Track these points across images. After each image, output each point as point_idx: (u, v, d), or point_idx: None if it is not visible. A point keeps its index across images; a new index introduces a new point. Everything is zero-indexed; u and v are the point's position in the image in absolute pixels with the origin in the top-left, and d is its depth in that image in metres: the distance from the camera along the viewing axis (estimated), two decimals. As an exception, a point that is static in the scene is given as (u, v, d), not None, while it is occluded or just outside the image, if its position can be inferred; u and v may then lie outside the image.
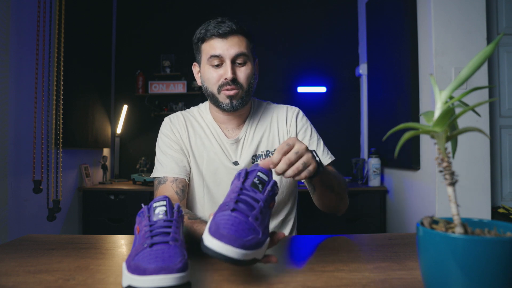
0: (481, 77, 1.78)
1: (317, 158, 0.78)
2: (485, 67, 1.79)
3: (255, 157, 1.08)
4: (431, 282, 0.45)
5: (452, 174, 0.44)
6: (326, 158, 1.10)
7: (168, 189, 1.02)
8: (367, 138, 2.85)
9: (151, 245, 0.55)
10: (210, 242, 0.52)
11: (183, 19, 3.11)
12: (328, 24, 3.11)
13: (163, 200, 0.64)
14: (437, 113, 0.45)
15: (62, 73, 2.13)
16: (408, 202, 2.18)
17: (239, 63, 1.00)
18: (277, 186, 0.63)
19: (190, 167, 1.08)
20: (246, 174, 0.61)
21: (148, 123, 3.07)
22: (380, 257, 0.69)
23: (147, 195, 2.47)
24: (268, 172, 0.63)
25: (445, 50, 1.81)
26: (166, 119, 1.14)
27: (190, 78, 3.01)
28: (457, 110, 0.46)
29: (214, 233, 0.52)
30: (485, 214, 1.77)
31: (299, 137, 1.12)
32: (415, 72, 2.02)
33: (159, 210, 0.62)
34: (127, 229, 2.40)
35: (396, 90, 2.24)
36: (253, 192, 0.59)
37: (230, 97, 1.01)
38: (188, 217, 0.84)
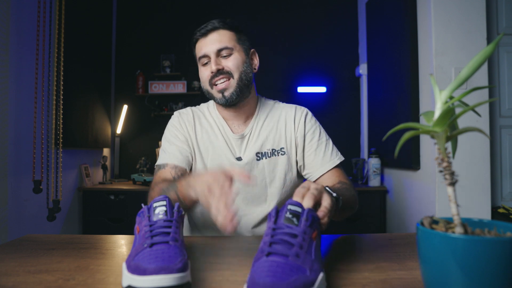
0: (481, 77, 1.78)
1: (334, 194, 0.74)
2: (485, 67, 1.79)
3: (259, 154, 1.08)
4: (431, 282, 0.45)
5: (452, 174, 0.44)
6: (335, 159, 1.10)
7: (166, 174, 1.02)
8: (367, 138, 2.85)
9: (151, 245, 0.55)
10: None
11: (183, 19, 3.11)
12: (328, 24, 3.11)
13: (163, 200, 0.64)
14: (437, 113, 0.45)
15: (62, 73, 2.13)
16: (408, 202, 2.18)
17: (224, 55, 1.02)
18: (315, 213, 0.57)
19: (193, 159, 1.08)
20: (276, 212, 0.56)
21: (148, 123, 3.07)
22: (380, 257, 0.69)
23: (147, 195, 2.47)
24: (300, 203, 0.57)
25: (445, 50, 1.81)
26: (176, 113, 1.15)
27: (190, 78, 3.02)
28: (457, 110, 0.46)
29: (251, 286, 0.46)
30: (485, 214, 1.77)
31: (308, 138, 1.10)
32: (415, 72, 2.02)
33: (159, 210, 0.62)
34: (127, 229, 2.40)
35: (396, 90, 2.24)
36: (288, 228, 0.53)
37: (222, 90, 1.02)
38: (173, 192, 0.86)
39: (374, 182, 2.48)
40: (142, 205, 0.65)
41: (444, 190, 1.78)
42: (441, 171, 0.45)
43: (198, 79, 3.10)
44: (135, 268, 0.51)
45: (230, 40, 1.03)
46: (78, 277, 0.58)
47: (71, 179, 2.46)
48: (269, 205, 1.08)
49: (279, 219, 0.55)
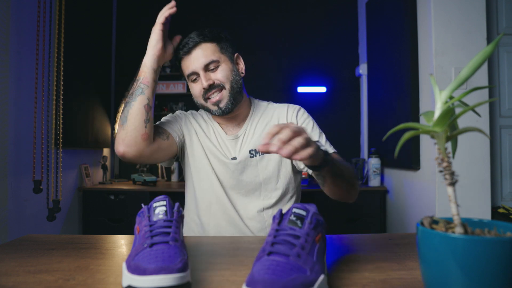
0: (481, 77, 1.78)
1: (322, 147, 0.77)
2: (485, 67, 1.79)
3: (252, 151, 1.10)
4: (431, 282, 0.45)
5: (452, 174, 0.44)
6: (328, 148, 1.11)
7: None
8: (367, 138, 2.85)
9: (151, 245, 0.55)
10: None
11: (183, 19, 3.11)
12: (328, 24, 3.11)
13: (163, 200, 0.64)
14: (437, 113, 0.45)
15: (62, 73, 2.13)
16: (408, 202, 2.18)
17: (212, 69, 1.04)
18: (320, 216, 0.57)
19: (184, 140, 1.12)
20: (281, 215, 0.57)
21: (148, 123, 3.07)
22: (380, 257, 0.69)
23: (147, 195, 2.47)
24: (305, 206, 0.58)
25: (445, 50, 1.81)
26: (177, 111, 1.21)
27: (190, 78, 3.01)
28: (457, 110, 0.46)
29: (250, 283, 0.46)
30: (485, 214, 1.77)
31: None
32: (415, 72, 2.02)
33: (159, 210, 0.62)
34: (127, 229, 2.40)
35: (396, 90, 2.24)
36: (292, 229, 0.53)
37: (217, 103, 1.05)
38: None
39: (374, 182, 2.48)
40: (142, 205, 0.66)
41: (444, 190, 1.78)
42: (441, 171, 0.45)
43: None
44: (135, 268, 0.51)
45: (214, 53, 1.04)
46: (78, 277, 0.58)
47: (71, 179, 2.46)
48: (263, 200, 1.10)
49: (283, 221, 0.55)
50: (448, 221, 0.47)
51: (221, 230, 1.09)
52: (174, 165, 2.93)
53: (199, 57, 1.04)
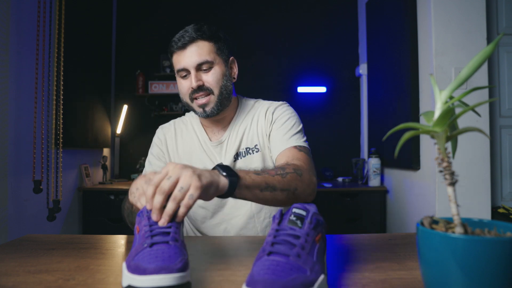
0: (481, 77, 1.78)
1: (223, 173, 0.68)
2: (485, 67, 1.79)
3: (236, 156, 1.07)
4: (431, 282, 0.45)
5: (452, 174, 0.44)
6: (294, 140, 1.01)
7: None
8: (367, 138, 2.85)
9: (151, 245, 0.55)
10: None
11: (183, 19, 3.11)
12: (328, 24, 3.11)
13: None
14: (437, 113, 0.45)
15: (62, 73, 2.13)
16: (408, 202, 2.18)
17: (204, 69, 1.00)
18: (320, 216, 0.57)
19: None
20: (281, 215, 0.57)
21: (148, 123, 3.07)
22: (380, 257, 0.69)
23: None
24: (305, 206, 0.58)
25: (445, 50, 1.81)
26: (159, 128, 1.19)
27: (190, 78, 3.01)
28: (457, 110, 0.46)
29: (250, 283, 0.46)
30: (485, 214, 1.77)
31: (274, 127, 1.06)
32: (415, 72, 2.02)
33: None
34: (127, 229, 2.38)
35: (396, 90, 2.24)
36: (292, 230, 0.53)
37: (202, 106, 1.01)
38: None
39: (374, 182, 2.48)
40: None
41: (444, 190, 1.78)
42: (441, 171, 0.45)
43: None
44: (135, 268, 0.51)
45: (210, 53, 1.00)
46: (78, 277, 0.58)
47: (71, 179, 2.46)
48: (251, 206, 1.05)
49: (283, 221, 0.55)
50: (448, 221, 0.47)
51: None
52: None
53: (193, 54, 0.99)
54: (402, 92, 2.14)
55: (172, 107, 3.03)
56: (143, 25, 3.13)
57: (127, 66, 3.10)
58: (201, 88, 1.00)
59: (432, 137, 0.45)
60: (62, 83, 2.13)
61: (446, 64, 1.80)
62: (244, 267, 0.63)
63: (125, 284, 0.52)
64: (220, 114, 1.06)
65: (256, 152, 1.07)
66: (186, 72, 1.01)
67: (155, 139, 1.16)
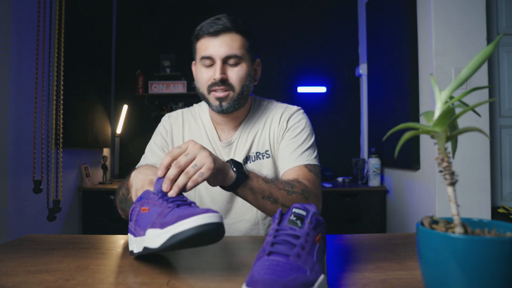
0: (481, 77, 1.78)
1: (234, 168, 0.72)
2: (485, 67, 1.79)
3: (245, 159, 1.04)
4: (431, 282, 0.45)
5: (452, 174, 0.44)
6: (304, 158, 0.99)
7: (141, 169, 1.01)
8: (367, 138, 2.85)
9: (178, 206, 0.57)
10: None
11: (183, 19, 3.11)
12: (328, 24, 3.11)
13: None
14: (437, 113, 0.45)
15: (62, 73, 2.13)
16: (408, 202, 2.18)
17: (231, 64, 0.96)
18: (319, 216, 0.57)
19: None
20: (281, 215, 0.57)
21: (148, 123, 3.07)
22: (380, 257, 0.69)
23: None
24: (305, 206, 0.58)
25: (445, 50, 1.81)
26: (166, 116, 1.13)
27: (190, 78, 2.99)
28: (457, 110, 0.46)
29: (250, 283, 0.46)
30: (485, 214, 1.77)
31: (287, 135, 1.03)
32: (415, 72, 2.02)
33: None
34: (127, 229, 2.40)
35: (396, 90, 2.24)
36: (292, 229, 0.53)
37: (220, 99, 0.97)
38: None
39: (374, 182, 2.48)
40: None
41: (444, 190, 1.78)
42: (441, 171, 0.45)
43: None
44: (178, 218, 0.52)
45: (240, 48, 0.95)
46: (78, 277, 0.58)
47: (71, 179, 2.46)
48: (256, 212, 1.03)
49: (283, 221, 0.55)
50: (448, 221, 0.47)
51: None
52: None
53: (224, 45, 0.93)
54: (402, 92, 2.14)
55: (172, 107, 3.03)
56: (143, 25, 3.13)
57: (127, 66, 3.10)
58: (223, 82, 0.95)
59: (432, 137, 0.45)
60: (62, 83, 2.13)
61: (446, 64, 1.80)
62: (244, 267, 0.63)
63: (158, 243, 0.53)
64: (234, 113, 1.02)
65: (267, 158, 1.04)
66: (210, 61, 0.95)
67: (160, 128, 1.10)
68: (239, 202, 1.03)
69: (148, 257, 0.68)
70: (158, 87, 3.00)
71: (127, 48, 3.13)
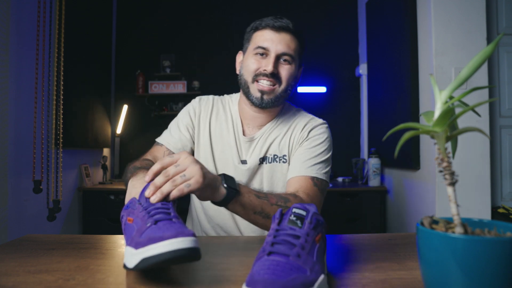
0: (481, 77, 1.78)
1: (224, 184, 0.72)
2: (485, 67, 1.79)
3: (262, 160, 1.05)
4: (431, 282, 0.45)
5: (452, 174, 0.44)
6: (313, 170, 0.99)
7: (159, 153, 1.05)
8: (367, 138, 2.85)
9: (156, 222, 0.55)
10: None
11: (183, 19, 3.11)
12: (328, 24, 3.11)
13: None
14: (437, 113, 0.45)
15: (62, 73, 2.13)
16: (408, 202, 2.18)
17: (283, 61, 0.99)
18: (320, 216, 0.57)
19: (196, 148, 1.09)
20: (281, 215, 0.57)
21: (148, 123, 3.07)
22: (380, 257, 0.69)
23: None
24: (305, 206, 0.58)
25: (445, 50, 1.81)
26: (197, 98, 1.15)
27: (190, 78, 3.01)
28: (457, 110, 0.46)
29: (250, 283, 0.45)
30: (485, 214, 1.77)
31: (304, 144, 1.05)
32: (415, 72, 2.02)
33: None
34: (127, 229, 2.39)
35: (396, 90, 2.24)
36: (292, 229, 0.53)
37: (262, 92, 0.99)
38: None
39: (374, 182, 2.48)
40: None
41: (444, 190, 1.78)
42: (441, 171, 0.45)
43: (198, 79, 3.09)
44: (148, 240, 0.51)
45: (295, 50, 1.00)
46: (78, 277, 0.58)
47: (71, 179, 2.46)
48: None
49: (283, 221, 0.55)
50: (448, 221, 0.47)
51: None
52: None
53: (283, 41, 0.98)
54: (402, 92, 2.14)
55: (172, 107, 3.04)
56: (143, 25, 3.13)
57: (127, 66, 3.10)
58: (273, 76, 0.98)
59: (432, 137, 0.45)
60: (62, 83, 2.13)
61: (446, 64, 1.80)
62: (244, 267, 0.63)
63: (133, 263, 0.51)
64: (267, 110, 1.04)
65: (284, 162, 1.06)
66: (264, 52, 0.99)
67: (189, 108, 1.11)
68: None
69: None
70: (158, 87, 3.00)
71: (127, 48, 3.13)
